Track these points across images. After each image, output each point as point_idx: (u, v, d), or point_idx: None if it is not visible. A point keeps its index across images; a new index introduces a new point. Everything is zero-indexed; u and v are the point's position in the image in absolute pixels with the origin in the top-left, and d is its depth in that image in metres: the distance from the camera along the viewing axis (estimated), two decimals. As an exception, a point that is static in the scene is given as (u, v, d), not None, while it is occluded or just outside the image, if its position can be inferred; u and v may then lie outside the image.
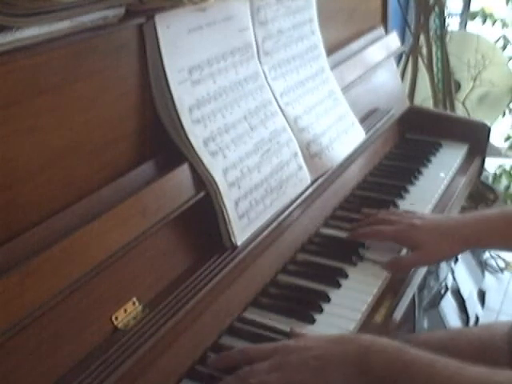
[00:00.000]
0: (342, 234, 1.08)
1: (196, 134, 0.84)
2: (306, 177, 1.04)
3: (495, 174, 2.49)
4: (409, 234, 0.99)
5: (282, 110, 1.02)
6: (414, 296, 1.44)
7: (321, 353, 0.71)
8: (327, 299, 0.91)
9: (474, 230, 0.98)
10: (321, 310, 0.89)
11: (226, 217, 0.86)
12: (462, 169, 1.38)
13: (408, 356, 0.68)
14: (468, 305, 1.97)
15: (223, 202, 0.86)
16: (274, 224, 0.95)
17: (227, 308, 0.86)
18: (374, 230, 1.03)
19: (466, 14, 2.68)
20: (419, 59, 2.27)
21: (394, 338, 0.73)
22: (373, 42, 1.40)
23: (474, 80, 2.42)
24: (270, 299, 0.92)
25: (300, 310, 0.89)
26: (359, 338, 0.74)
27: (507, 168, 2.51)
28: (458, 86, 2.48)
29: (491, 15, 2.55)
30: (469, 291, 2.05)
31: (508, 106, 2.58)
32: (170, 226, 0.81)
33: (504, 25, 2.56)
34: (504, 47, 2.56)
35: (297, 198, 1.01)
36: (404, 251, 1.04)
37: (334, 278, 0.96)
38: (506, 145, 2.65)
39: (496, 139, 2.53)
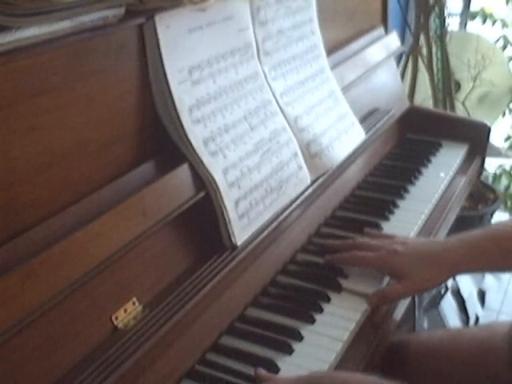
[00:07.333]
0: (343, 234, 1.08)
1: (196, 134, 0.84)
2: (305, 177, 1.04)
3: (495, 173, 2.49)
4: (392, 261, 0.92)
5: (282, 110, 1.02)
6: (414, 296, 1.44)
7: None
8: (327, 299, 0.91)
9: (461, 255, 0.91)
10: (321, 310, 0.89)
11: (225, 217, 0.86)
12: (462, 169, 1.38)
13: None
14: (468, 305, 1.97)
15: (223, 202, 0.86)
16: (274, 224, 0.95)
17: (227, 308, 0.86)
18: (353, 255, 0.96)
19: (466, 14, 2.68)
20: (419, 59, 2.26)
21: (394, 338, 0.72)
22: (373, 42, 1.40)
23: (474, 80, 2.42)
24: (270, 299, 0.92)
25: (300, 309, 0.89)
26: (333, 377, 0.72)
27: (507, 168, 2.51)
28: (458, 86, 2.47)
29: (491, 15, 2.55)
30: (469, 291, 2.05)
31: (508, 105, 2.57)
32: (170, 225, 0.81)
33: (504, 25, 2.56)
34: (504, 47, 2.55)
35: (297, 198, 1.01)
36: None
37: (334, 278, 0.96)
38: (506, 145, 2.65)
39: (496, 139, 2.52)
